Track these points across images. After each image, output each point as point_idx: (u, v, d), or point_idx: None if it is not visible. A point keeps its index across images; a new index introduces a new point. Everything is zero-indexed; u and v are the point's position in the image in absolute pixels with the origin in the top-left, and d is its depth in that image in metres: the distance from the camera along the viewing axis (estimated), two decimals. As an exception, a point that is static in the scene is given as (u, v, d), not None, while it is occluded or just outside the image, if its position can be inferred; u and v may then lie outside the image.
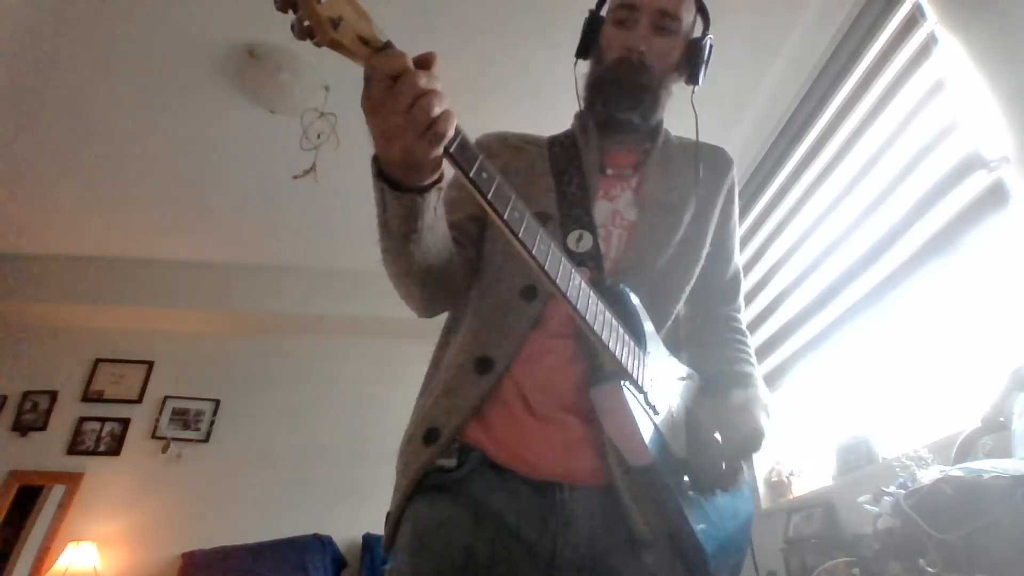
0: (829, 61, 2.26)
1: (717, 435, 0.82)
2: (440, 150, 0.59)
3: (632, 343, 0.76)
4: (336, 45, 0.57)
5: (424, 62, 0.59)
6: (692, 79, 0.95)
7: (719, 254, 0.97)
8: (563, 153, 0.92)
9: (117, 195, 3.32)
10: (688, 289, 0.91)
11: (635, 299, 0.80)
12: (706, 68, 0.95)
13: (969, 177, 1.58)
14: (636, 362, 0.75)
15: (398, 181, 0.64)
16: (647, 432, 0.73)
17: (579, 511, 0.74)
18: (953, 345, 1.70)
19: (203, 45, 2.39)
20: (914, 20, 1.81)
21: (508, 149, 0.96)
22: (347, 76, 2.54)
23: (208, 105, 2.67)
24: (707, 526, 0.76)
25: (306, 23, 0.56)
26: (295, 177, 2.61)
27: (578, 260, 0.80)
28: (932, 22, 1.74)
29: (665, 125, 0.99)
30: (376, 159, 0.65)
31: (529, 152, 0.94)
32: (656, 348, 0.82)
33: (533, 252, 0.64)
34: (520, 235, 0.63)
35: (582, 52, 0.97)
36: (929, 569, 1.11)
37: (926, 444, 1.52)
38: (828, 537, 1.91)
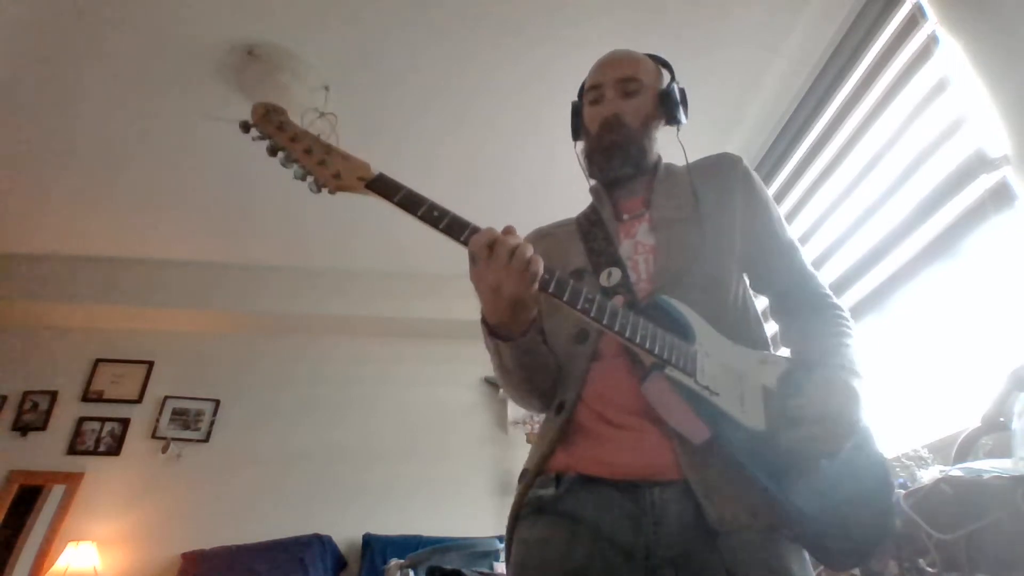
0: (829, 61, 2.26)
1: (804, 405, 0.83)
2: (536, 287, 0.77)
3: (672, 337, 0.83)
4: (344, 188, 0.81)
5: (508, 230, 0.78)
6: (671, 121, 1.07)
7: (761, 238, 1.02)
8: (587, 221, 1.06)
9: (117, 195, 3.32)
10: (732, 279, 0.96)
11: (676, 303, 0.87)
12: (685, 107, 1.07)
13: (972, 179, 1.58)
14: (678, 351, 0.82)
15: (508, 334, 0.84)
16: (702, 409, 0.79)
17: (670, 512, 0.79)
18: (953, 345, 1.69)
19: (203, 45, 2.39)
20: (915, 20, 1.81)
21: (542, 240, 1.11)
22: (347, 76, 2.55)
23: (208, 105, 2.67)
24: (805, 490, 0.78)
25: (320, 182, 0.82)
26: (296, 177, 2.60)
27: (612, 292, 0.92)
28: (933, 22, 1.74)
29: (665, 160, 1.10)
30: (485, 322, 0.85)
31: (559, 233, 1.09)
32: (710, 337, 0.87)
33: (578, 306, 0.79)
34: (567, 298, 0.79)
35: (575, 135, 1.12)
36: (929, 569, 1.11)
37: (926, 444, 1.52)
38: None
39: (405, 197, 0.80)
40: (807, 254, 1.07)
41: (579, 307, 0.79)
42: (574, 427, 0.89)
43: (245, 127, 0.84)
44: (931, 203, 1.73)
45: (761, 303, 1.08)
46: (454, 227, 0.79)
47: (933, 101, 1.76)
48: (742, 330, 0.94)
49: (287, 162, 0.83)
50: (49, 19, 2.27)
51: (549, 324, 1.01)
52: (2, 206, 3.39)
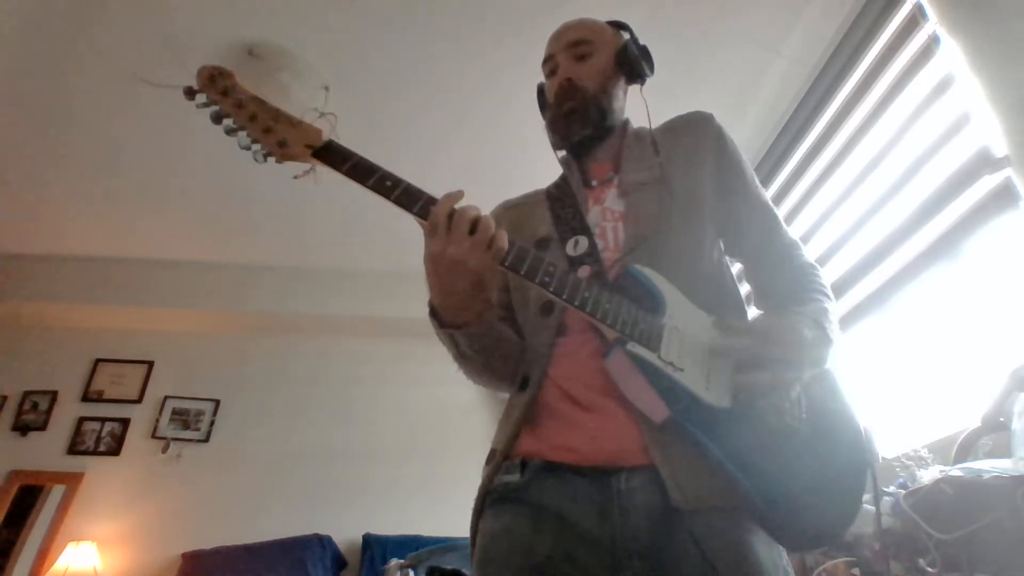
0: (830, 61, 2.26)
1: (743, 349, 0.79)
2: (498, 262, 0.74)
3: (639, 310, 0.79)
4: (290, 157, 0.77)
5: (460, 197, 0.74)
6: (632, 78, 1.04)
7: (733, 197, 0.97)
8: (556, 190, 1.02)
9: (117, 195, 3.32)
10: (705, 245, 0.92)
11: (648, 273, 0.83)
12: (648, 62, 1.04)
13: (974, 180, 1.58)
14: (643, 325, 0.78)
15: (462, 320, 0.80)
16: (663, 386, 0.75)
17: (637, 500, 0.75)
18: (953, 345, 1.69)
19: (203, 45, 2.39)
20: (915, 20, 1.81)
21: (509, 211, 1.08)
22: (347, 76, 2.55)
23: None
24: (769, 470, 0.75)
25: (264, 151, 0.77)
26: (295, 177, 2.60)
27: (578, 262, 0.87)
28: (933, 23, 1.74)
29: (638, 123, 1.06)
30: (435, 313, 0.82)
31: (527, 204, 1.06)
32: (682, 309, 0.83)
33: (536, 279, 0.75)
34: (525, 271, 0.75)
35: (543, 112, 1.08)
36: (929, 569, 1.11)
37: (926, 444, 1.52)
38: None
39: (354, 166, 0.76)
40: (809, 253, 1.04)
41: (537, 280, 0.75)
42: (540, 407, 0.84)
43: (189, 93, 0.79)
44: (933, 204, 1.73)
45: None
46: (407, 198, 0.74)
47: (935, 102, 1.75)
48: (718, 300, 0.89)
49: (232, 130, 0.77)
50: (46, 18, 2.27)
51: (516, 296, 0.98)
52: (2, 207, 3.39)
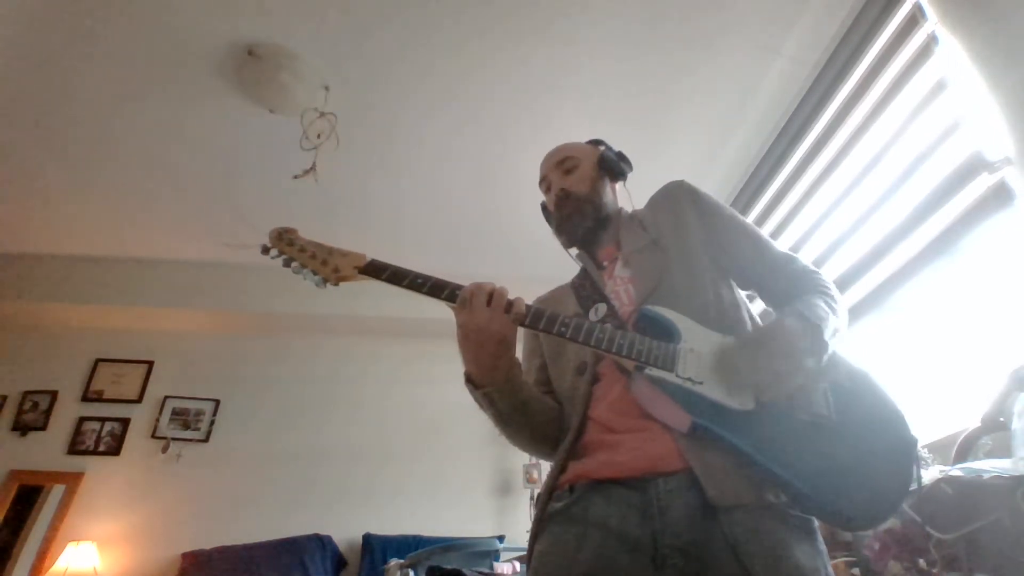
0: (829, 61, 2.26)
1: (748, 355, 0.87)
2: (516, 326, 0.90)
3: (653, 340, 0.90)
4: (343, 279, 1.00)
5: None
6: (615, 177, 1.25)
7: (717, 233, 1.09)
8: (578, 279, 1.19)
9: (117, 195, 3.32)
10: (706, 282, 1.02)
11: (660, 309, 0.95)
12: (625, 163, 1.25)
13: (972, 178, 1.58)
14: (657, 352, 0.89)
15: (493, 378, 0.92)
16: (684, 399, 0.85)
17: (676, 500, 0.81)
18: (953, 345, 1.69)
19: (203, 45, 2.39)
20: (915, 20, 1.81)
21: (542, 304, 1.20)
22: (347, 76, 2.55)
23: (208, 105, 2.67)
24: (808, 458, 0.81)
25: (324, 278, 0.99)
26: (295, 177, 2.61)
27: (600, 323, 0.98)
28: (933, 22, 1.74)
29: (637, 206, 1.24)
30: (470, 380, 0.95)
31: (556, 295, 1.23)
32: (697, 334, 0.93)
33: (554, 331, 0.90)
34: (543, 326, 0.90)
35: (550, 223, 1.26)
36: (930, 569, 1.11)
37: (926, 444, 1.52)
38: (828, 536, 1.90)
39: (392, 274, 0.96)
40: (805, 255, 1.08)
41: (555, 331, 0.89)
42: (583, 446, 0.94)
43: (265, 250, 1.01)
44: (931, 203, 1.73)
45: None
46: (436, 289, 0.93)
47: (933, 101, 1.75)
48: (733, 323, 0.98)
49: (299, 270, 1.00)
50: (46, 16, 2.27)
51: (554, 371, 1.09)
52: (2, 207, 3.39)
